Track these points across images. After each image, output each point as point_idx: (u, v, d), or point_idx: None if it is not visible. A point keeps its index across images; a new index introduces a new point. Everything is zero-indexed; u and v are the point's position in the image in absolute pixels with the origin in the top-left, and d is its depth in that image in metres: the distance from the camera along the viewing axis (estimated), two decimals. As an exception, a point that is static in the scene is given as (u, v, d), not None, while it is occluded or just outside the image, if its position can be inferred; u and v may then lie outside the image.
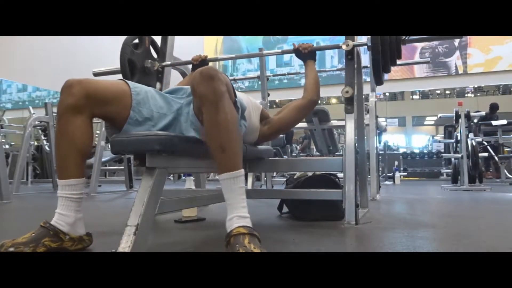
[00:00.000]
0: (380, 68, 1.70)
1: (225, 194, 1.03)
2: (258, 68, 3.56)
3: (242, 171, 1.03)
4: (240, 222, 0.98)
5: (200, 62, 1.90)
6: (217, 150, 1.01)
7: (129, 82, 1.20)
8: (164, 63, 2.02)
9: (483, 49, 7.49)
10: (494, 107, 6.37)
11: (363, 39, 1.74)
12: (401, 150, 11.48)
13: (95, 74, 2.13)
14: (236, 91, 1.23)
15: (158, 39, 2.14)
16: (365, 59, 2.21)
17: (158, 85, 2.00)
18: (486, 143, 5.69)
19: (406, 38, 1.79)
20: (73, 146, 1.09)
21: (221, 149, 1.00)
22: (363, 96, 2.22)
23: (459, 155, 4.46)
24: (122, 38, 1.85)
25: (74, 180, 1.09)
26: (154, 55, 2.02)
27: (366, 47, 1.73)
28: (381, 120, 4.91)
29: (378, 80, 1.80)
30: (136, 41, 1.91)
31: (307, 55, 1.79)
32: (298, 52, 1.80)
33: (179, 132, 1.22)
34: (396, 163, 7.50)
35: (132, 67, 1.84)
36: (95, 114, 1.13)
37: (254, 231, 0.97)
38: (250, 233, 0.96)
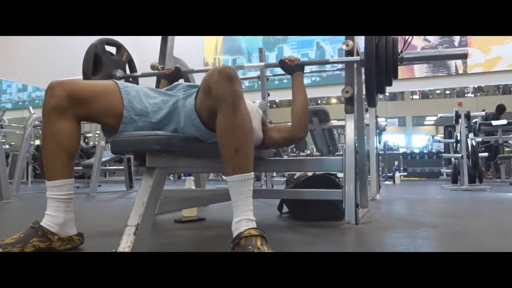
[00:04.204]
0: (374, 88, 1.61)
1: (233, 196, 1.02)
2: (258, 68, 3.55)
3: (252, 174, 1.03)
4: (249, 225, 0.98)
5: (174, 71, 1.78)
6: (231, 152, 1.00)
7: (118, 82, 1.19)
8: (132, 74, 1.90)
9: (483, 49, 7.49)
10: (501, 108, 6.34)
11: (363, 39, 1.73)
12: (401, 150, 11.49)
13: None
14: None
15: (157, 39, 2.14)
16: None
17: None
18: (492, 142, 5.70)
19: (404, 55, 1.68)
20: (59, 147, 1.09)
21: (235, 151, 0.99)
22: (363, 96, 2.22)
23: (459, 155, 4.47)
24: (123, 39, 1.83)
25: (61, 181, 1.09)
26: (127, 72, 1.89)
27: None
28: (380, 120, 4.90)
29: (371, 101, 1.71)
30: (114, 49, 1.82)
31: (294, 66, 1.64)
32: (283, 64, 1.64)
33: (177, 125, 1.19)
34: (396, 163, 7.51)
35: (97, 62, 1.70)
36: (80, 116, 1.12)
37: (264, 233, 0.98)
38: (261, 235, 0.96)
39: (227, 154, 1.01)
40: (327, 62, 1.78)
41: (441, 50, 1.79)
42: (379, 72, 1.58)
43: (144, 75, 1.95)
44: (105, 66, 1.75)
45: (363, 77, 1.72)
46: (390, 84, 1.67)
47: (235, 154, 1.00)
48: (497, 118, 6.04)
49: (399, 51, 1.66)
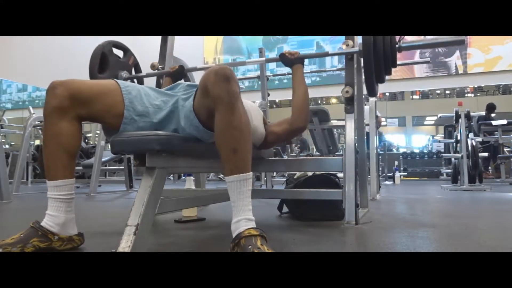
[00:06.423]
0: (373, 77, 1.62)
1: (231, 196, 1.02)
2: (258, 68, 3.56)
3: (251, 173, 1.03)
4: (248, 225, 0.99)
5: (177, 69, 1.85)
6: (229, 152, 1.00)
7: (119, 81, 1.19)
8: (138, 75, 1.94)
9: (483, 49, 7.49)
10: (491, 107, 6.34)
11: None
12: (401, 150, 11.49)
13: None
14: None
15: (157, 39, 2.14)
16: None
17: None
18: (492, 142, 5.69)
19: (402, 44, 1.70)
20: (60, 147, 1.09)
21: (233, 151, 1.00)
22: (363, 96, 2.22)
23: (459, 155, 4.47)
24: (123, 39, 1.84)
25: (62, 181, 1.09)
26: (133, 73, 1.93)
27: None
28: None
29: (371, 91, 1.73)
30: (121, 52, 1.86)
31: (294, 59, 1.67)
32: (283, 57, 1.68)
33: (177, 125, 1.19)
34: (396, 163, 7.51)
35: (103, 62, 1.73)
36: (82, 116, 1.12)
37: (264, 233, 0.98)
38: (261, 235, 0.96)
39: (225, 155, 1.01)
40: (327, 54, 1.82)
41: (438, 37, 1.81)
42: (378, 61, 1.59)
43: (148, 75, 1.98)
44: (112, 66, 1.78)
45: (363, 77, 1.72)
46: (389, 73, 1.70)
47: (233, 154, 1.00)
48: (490, 118, 6.03)
49: (397, 40, 1.69)
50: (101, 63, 1.72)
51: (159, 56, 2.09)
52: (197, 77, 1.94)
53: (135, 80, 1.92)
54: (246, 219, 0.99)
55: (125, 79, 1.81)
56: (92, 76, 1.69)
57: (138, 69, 1.95)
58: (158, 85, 2.01)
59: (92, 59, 1.69)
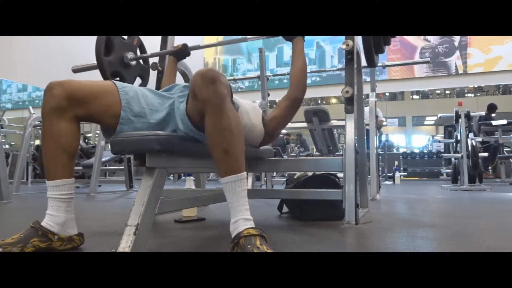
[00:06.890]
0: (372, 46, 1.59)
1: (228, 197, 1.03)
2: (258, 68, 3.56)
3: (245, 173, 1.03)
4: (247, 224, 0.99)
5: (181, 48, 1.85)
6: (221, 154, 1.00)
7: (117, 82, 1.20)
8: (143, 55, 1.93)
9: (483, 49, 7.49)
10: (492, 107, 6.34)
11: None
12: (401, 150, 11.49)
13: (74, 71, 2.08)
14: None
15: (157, 39, 2.14)
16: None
17: (137, 80, 1.93)
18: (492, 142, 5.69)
19: None
20: (59, 147, 1.10)
21: (224, 152, 1.00)
22: (363, 96, 2.22)
23: (459, 155, 4.47)
24: (122, 39, 1.84)
25: (62, 181, 1.10)
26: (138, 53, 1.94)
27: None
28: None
29: (370, 61, 1.69)
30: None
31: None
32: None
33: (175, 126, 1.20)
34: (396, 163, 7.51)
35: (109, 44, 1.74)
36: (80, 116, 1.12)
37: (263, 233, 0.98)
38: (260, 234, 0.96)
39: (218, 156, 1.01)
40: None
41: None
42: None
43: (153, 55, 1.98)
44: (117, 48, 1.79)
45: (363, 77, 1.72)
46: (388, 43, 1.65)
47: (225, 155, 1.00)
48: (490, 118, 6.03)
49: None
50: (107, 46, 1.74)
51: (159, 56, 2.09)
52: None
53: (141, 61, 1.93)
54: (243, 219, 1.00)
55: (131, 60, 1.83)
56: (98, 59, 1.70)
57: (143, 50, 1.97)
58: (159, 86, 2.01)
59: (98, 43, 1.71)
